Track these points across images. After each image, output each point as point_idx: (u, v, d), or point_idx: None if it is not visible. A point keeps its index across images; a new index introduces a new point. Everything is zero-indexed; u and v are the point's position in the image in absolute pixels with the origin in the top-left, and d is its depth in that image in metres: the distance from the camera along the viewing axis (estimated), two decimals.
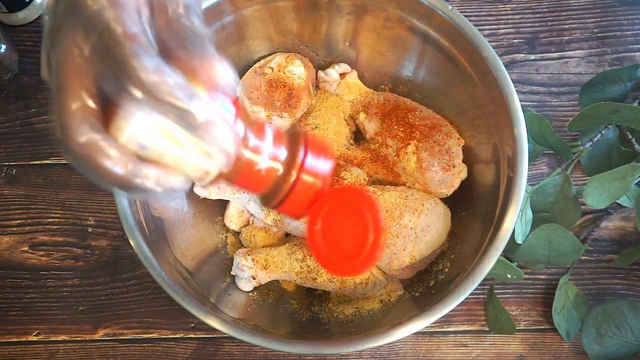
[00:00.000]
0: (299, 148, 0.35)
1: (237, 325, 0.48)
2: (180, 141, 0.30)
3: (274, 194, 0.35)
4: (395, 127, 0.58)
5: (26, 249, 0.64)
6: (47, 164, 0.67)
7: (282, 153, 0.35)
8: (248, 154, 0.33)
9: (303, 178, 0.35)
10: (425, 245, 0.53)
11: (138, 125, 0.29)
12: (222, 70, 0.30)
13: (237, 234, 0.62)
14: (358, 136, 0.63)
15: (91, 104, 0.29)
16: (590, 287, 0.63)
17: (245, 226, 0.61)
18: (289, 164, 0.35)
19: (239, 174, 0.34)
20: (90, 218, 0.65)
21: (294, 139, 0.36)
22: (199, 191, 0.58)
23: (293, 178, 0.35)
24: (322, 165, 0.36)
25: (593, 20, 0.70)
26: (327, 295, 0.59)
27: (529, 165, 0.49)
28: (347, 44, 0.62)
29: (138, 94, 0.27)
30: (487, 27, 0.70)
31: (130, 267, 0.64)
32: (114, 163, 0.28)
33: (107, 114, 0.30)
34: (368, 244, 0.36)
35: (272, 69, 0.59)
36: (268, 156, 0.34)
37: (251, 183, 0.35)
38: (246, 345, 0.62)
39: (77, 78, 0.28)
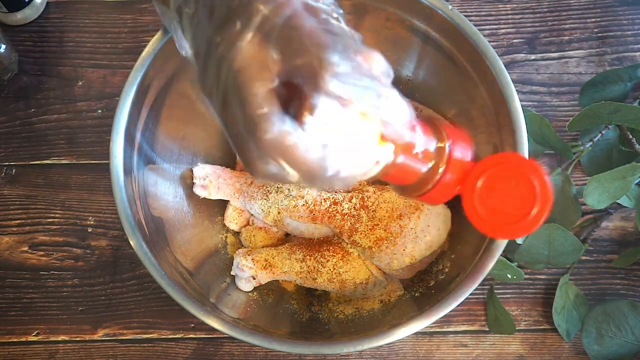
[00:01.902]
0: (445, 140, 0.38)
1: (237, 325, 0.48)
2: (359, 130, 0.33)
3: (420, 185, 0.38)
4: None
5: (26, 249, 0.64)
6: (47, 164, 0.67)
7: (431, 145, 0.38)
8: (407, 145, 0.36)
9: (451, 169, 0.38)
10: (425, 245, 0.53)
11: (326, 116, 0.31)
12: (378, 60, 0.32)
13: (237, 234, 0.62)
14: None
15: (275, 98, 0.31)
16: (591, 287, 0.63)
17: (245, 226, 0.61)
18: (438, 156, 0.38)
19: (397, 166, 0.36)
20: (90, 218, 0.65)
21: (438, 129, 0.38)
22: (199, 191, 0.58)
23: (441, 170, 0.38)
24: (465, 154, 0.39)
25: (593, 20, 0.70)
26: (327, 295, 0.59)
27: None
28: None
29: (331, 85, 0.29)
30: (487, 27, 0.70)
31: (130, 267, 0.64)
32: (307, 150, 0.30)
33: (290, 106, 0.32)
34: (535, 207, 0.38)
35: None
36: (421, 148, 0.37)
37: (403, 175, 0.38)
38: (246, 345, 0.62)
39: (261, 74, 0.30)
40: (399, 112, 0.33)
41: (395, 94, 0.33)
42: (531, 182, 0.38)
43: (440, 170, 0.38)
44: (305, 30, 0.30)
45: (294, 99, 0.32)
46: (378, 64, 0.32)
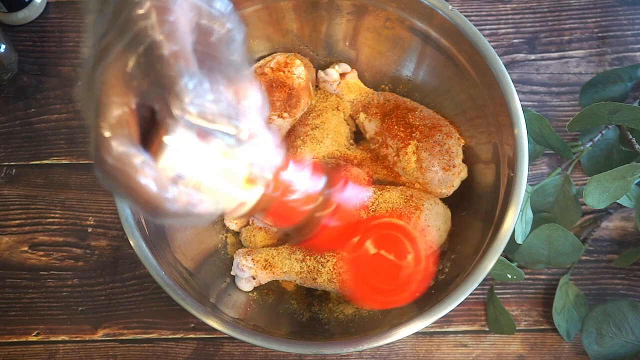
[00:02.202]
0: (333, 184, 0.35)
1: (237, 325, 0.48)
2: (220, 167, 0.30)
3: (304, 229, 0.35)
4: (395, 127, 0.58)
5: (26, 249, 0.64)
6: (47, 164, 0.67)
7: (316, 188, 0.34)
8: (283, 187, 0.33)
9: (333, 216, 0.34)
10: (425, 245, 0.53)
11: (178, 148, 0.28)
12: (252, 95, 0.30)
13: (237, 234, 0.62)
14: (358, 136, 0.63)
15: (130, 117, 0.28)
16: (591, 287, 0.63)
17: (245, 226, 0.61)
18: (322, 200, 0.34)
19: (272, 207, 0.33)
20: (90, 218, 0.65)
21: (327, 173, 0.35)
22: None
23: (324, 214, 0.34)
24: (354, 200, 0.35)
25: (593, 20, 0.70)
26: (327, 295, 0.59)
27: (529, 165, 0.49)
28: (347, 43, 0.62)
29: (180, 112, 0.27)
30: (487, 27, 0.70)
31: (130, 267, 0.64)
32: (148, 181, 0.28)
33: (146, 135, 0.29)
34: (403, 275, 0.35)
35: (272, 69, 0.59)
36: (302, 191, 0.34)
37: (282, 217, 0.34)
38: (246, 345, 0.62)
39: (118, 90, 0.28)
40: (266, 152, 0.31)
41: (264, 132, 0.30)
42: (405, 253, 0.35)
43: (322, 215, 0.34)
44: (167, 54, 0.27)
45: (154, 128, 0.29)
46: (250, 99, 0.30)
